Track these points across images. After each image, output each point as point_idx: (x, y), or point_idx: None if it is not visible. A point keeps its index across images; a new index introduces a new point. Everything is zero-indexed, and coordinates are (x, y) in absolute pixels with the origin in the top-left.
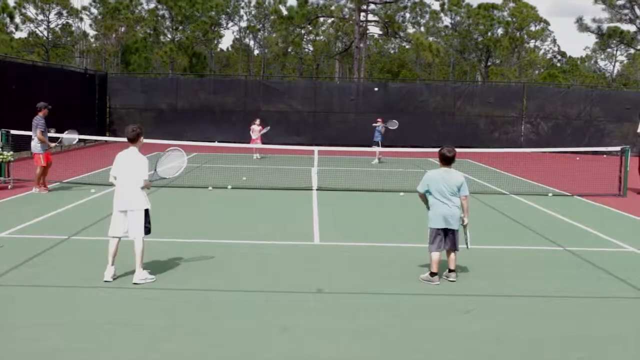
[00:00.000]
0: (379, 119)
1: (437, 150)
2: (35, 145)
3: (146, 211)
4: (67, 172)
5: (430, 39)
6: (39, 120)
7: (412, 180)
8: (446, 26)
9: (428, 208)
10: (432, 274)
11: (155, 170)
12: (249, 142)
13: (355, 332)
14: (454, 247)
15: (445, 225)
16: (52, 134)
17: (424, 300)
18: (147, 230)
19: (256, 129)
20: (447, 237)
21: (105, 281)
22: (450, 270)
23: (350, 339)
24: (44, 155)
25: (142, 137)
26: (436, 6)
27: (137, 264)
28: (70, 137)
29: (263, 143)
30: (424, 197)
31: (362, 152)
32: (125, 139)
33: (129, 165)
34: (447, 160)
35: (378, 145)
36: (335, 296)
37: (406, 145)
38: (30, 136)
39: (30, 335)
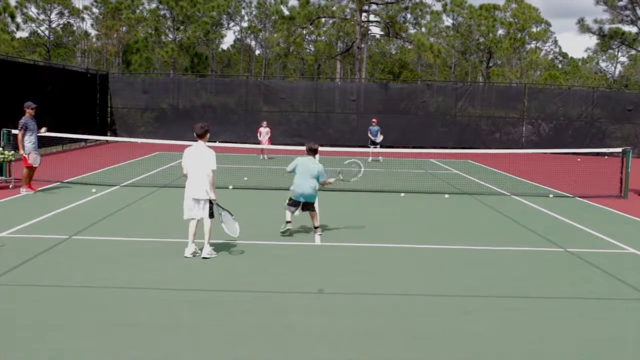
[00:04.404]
0: (374, 119)
1: (437, 151)
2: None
3: (209, 201)
4: (67, 172)
5: (432, 39)
6: (26, 119)
7: (413, 181)
8: (447, 27)
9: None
10: (287, 222)
11: (222, 214)
12: (258, 143)
13: (355, 332)
14: (306, 209)
15: (298, 199)
16: (43, 133)
17: (424, 301)
18: (211, 214)
19: (263, 131)
20: (300, 205)
21: (185, 257)
22: (315, 228)
23: (350, 339)
24: (23, 158)
25: (209, 133)
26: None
27: (205, 241)
28: (35, 156)
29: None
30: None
31: (363, 153)
32: (128, 139)
33: (199, 158)
34: (312, 151)
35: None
36: (335, 296)
37: (408, 146)
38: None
39: (30, 335)
